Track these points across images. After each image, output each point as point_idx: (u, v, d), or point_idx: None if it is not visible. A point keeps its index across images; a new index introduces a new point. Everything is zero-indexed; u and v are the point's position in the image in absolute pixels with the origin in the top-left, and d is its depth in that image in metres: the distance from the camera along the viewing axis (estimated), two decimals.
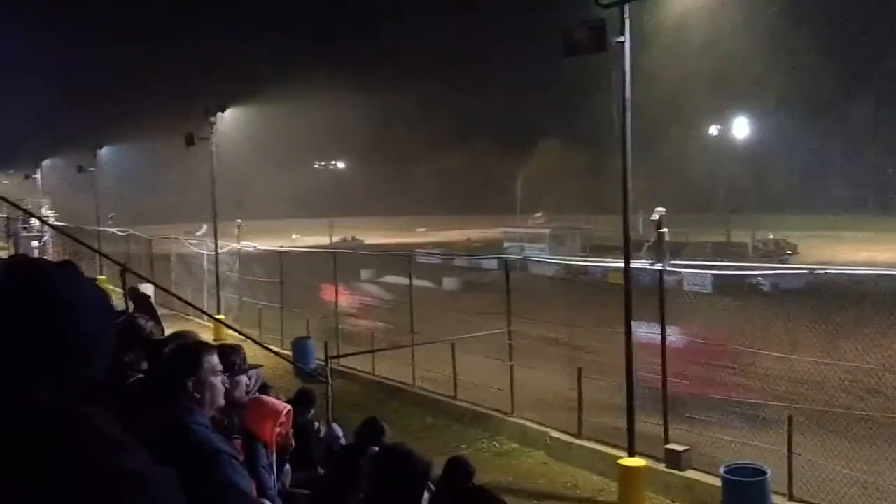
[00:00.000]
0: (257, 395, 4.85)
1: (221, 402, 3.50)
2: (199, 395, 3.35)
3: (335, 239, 69.98)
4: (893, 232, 44.82)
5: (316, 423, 7.27)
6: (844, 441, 11.17)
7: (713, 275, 18.55)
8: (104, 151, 46.35)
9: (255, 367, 4.86)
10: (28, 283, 1.83)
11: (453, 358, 15.30)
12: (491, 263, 32.53)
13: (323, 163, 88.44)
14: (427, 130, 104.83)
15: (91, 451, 1.59)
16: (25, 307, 1.76)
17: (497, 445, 13.40)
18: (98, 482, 1.57)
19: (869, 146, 60.50)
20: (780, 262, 39.10)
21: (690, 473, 10.97)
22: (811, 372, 13.04)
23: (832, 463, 10.23)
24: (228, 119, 28.07)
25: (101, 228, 37.95)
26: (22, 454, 1.57)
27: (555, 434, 13.00)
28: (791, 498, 9.80)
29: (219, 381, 3.46)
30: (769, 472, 9.36)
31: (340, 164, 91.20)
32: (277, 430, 4.62)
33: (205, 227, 26.79)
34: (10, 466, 1.57)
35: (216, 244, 25.69)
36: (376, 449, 6.38)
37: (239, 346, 4.79)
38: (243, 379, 4.49)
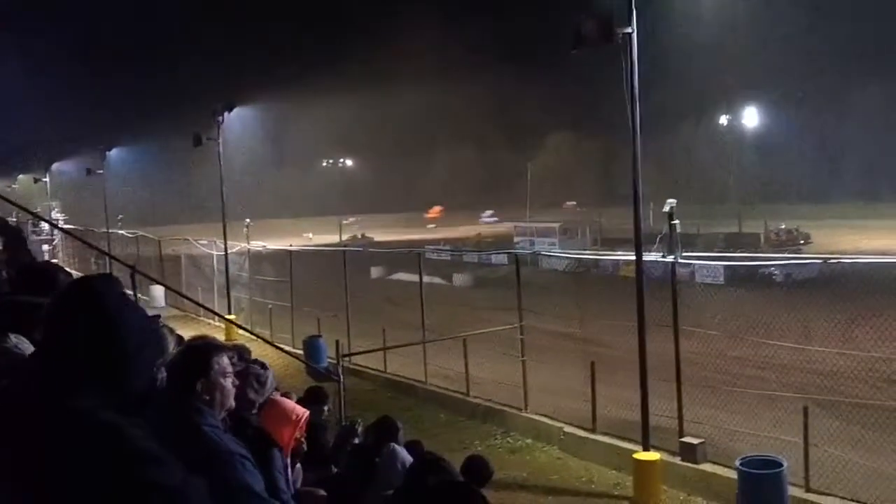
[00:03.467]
0: (275, 397, 4.80)
1: (232, 403, 3.46)
2: (209, 397, 3.31)
3: (345, 237, 70.01)
4: None
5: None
6: (863, 431, 11.09)
7: (725, 266, 18.50)
8: (113, 153, 46.49)
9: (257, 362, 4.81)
10: (77, 297, 1.85)
11: (465, 354, 15.27)
12: (501, 259, 32.51)
13: (331, 161, 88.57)
14: (436, 127, 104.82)
15: (124, 464, 1.60)
16: (74, 321, 1.79)
17: (511, 441, 13.35)
18: (129, 494, 1.57)
19: (883, 134, 60.09)
20: (794, 251, 38.93)
21: (706, 466, 10.89)
22: (827, 362, 12.96)
23: (850, 453, 10.14)
24: (237, 119, 28.12)
25: (110, 230, 38.08)
26: (58, 464, 1.58)
27: (569, 429, 12.94)
28: (808, 489, 9.69)
29: (229, 382, 3.42)
30: (785, 463, 9.28)
31: (349, 162, 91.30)
32: (297, 435, 4.58)
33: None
34: (46, 474, 1.58)
35: (226, 244, 25.73)
36: (393, 446, 6.35)
37: (242, 345, 4.76)
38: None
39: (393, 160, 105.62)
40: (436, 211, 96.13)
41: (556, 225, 55.51)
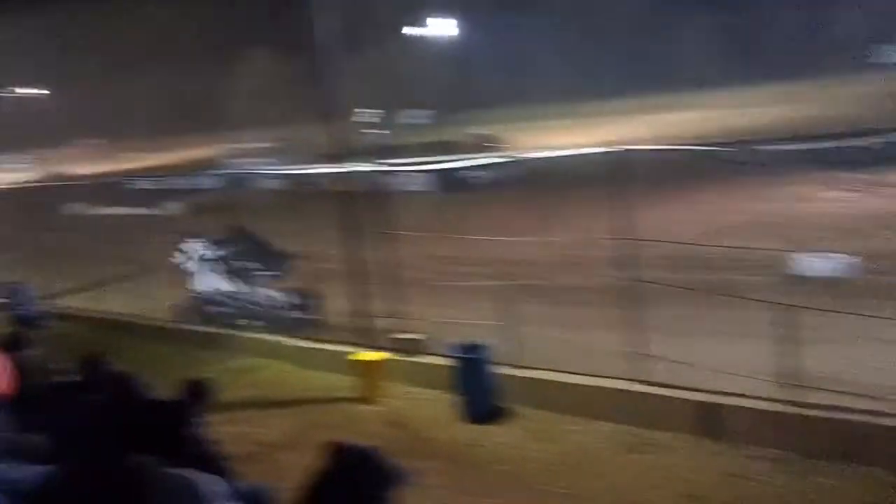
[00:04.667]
0: None
1: None
2: None
3: (37, 175, 63.89)
4: (601, 116, 47.59)
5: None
6: (559, 309, 12.43)
7: (428, 172, 19.46)
8: None
9: None
10: None
11: (184, 284, 14.95)
12: (212, 182, 31.61)
13: (9, 91, 79.67)
14: (125, 49, 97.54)
15: None
16: None
17: (239, 363, 13.37)
18: None
19: (577, 35, 63.71)
20: (490, 154, 41.27)
21: (425, 359, 11.69)
22: (525, 252, 14.28)
23: (549, 330, 11.28)
24: None
25: None
26: None
27: (295, 342, 13.27)
28: (514, 366, 10.70)
29: None
30: (489, 344, 10.30)
31: (33, 91, 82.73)
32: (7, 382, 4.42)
33: None
34: None
35: None
36: (106, 374, 6.22)
37: None
38: None
39: (83, 88, 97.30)
40: None
41: (270, 145, 54.62)
